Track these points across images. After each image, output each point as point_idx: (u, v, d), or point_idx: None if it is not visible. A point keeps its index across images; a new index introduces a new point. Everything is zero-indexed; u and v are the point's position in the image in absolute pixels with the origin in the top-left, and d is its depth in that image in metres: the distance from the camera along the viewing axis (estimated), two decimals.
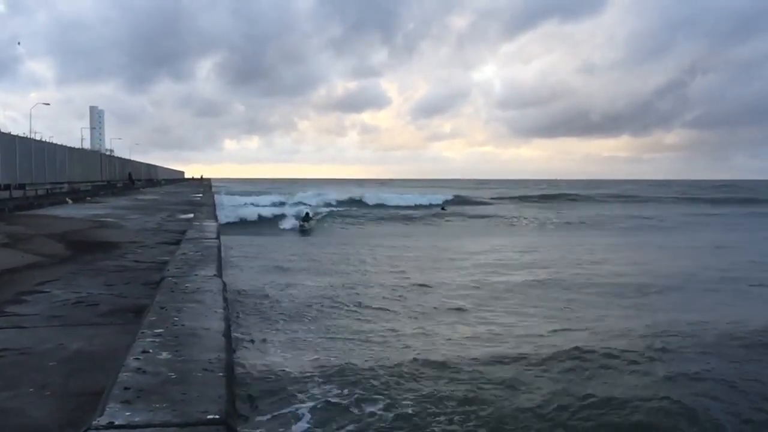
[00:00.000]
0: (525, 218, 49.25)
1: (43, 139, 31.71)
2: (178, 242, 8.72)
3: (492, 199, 78.68)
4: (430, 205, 61.24)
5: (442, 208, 58.20)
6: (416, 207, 58.84)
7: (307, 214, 41.14)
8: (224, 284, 5.06)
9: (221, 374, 2.74)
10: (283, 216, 41.85)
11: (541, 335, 10.67)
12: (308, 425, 6.99)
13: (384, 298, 14.14)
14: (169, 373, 2.71)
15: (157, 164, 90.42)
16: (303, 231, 37.70)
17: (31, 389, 3.15)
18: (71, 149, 36.23)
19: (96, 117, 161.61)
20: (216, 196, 38.90)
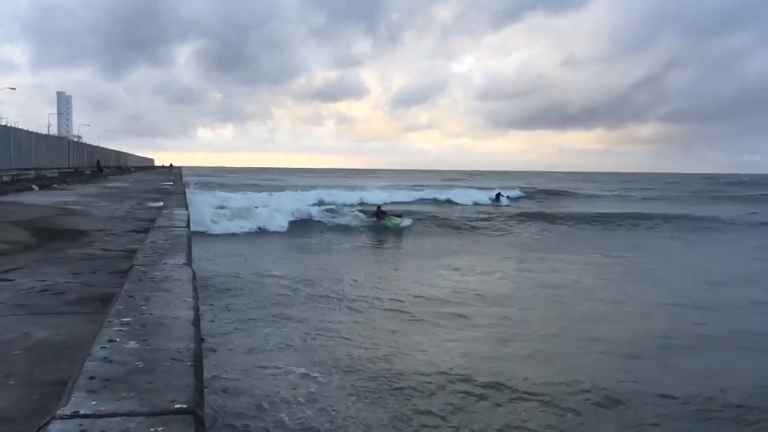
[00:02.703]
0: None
1: (9, 125, 31.07)
2: (147, 230, 8.61)
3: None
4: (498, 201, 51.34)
5: (498, 198, 51.53)
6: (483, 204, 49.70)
7: (379, 207, 33.18)
8: (194, 273, 5.02)
9: (189, 363, 2.72)
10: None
11: None
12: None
13: None
14: (137, 363, 2.69)
15: (127, 151, 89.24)
16: (392, 227, 30.32)
17: None
18: (38, 135, 35.54)
19: (64, 103, 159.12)
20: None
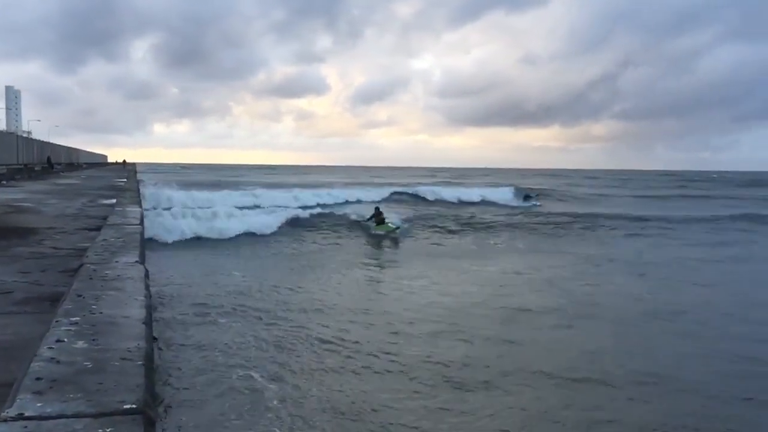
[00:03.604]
0: None
1: None
2: (99, 228, 8.44)
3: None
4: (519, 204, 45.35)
5: (527, 198, 45.95)
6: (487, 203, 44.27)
7: (377, 209, 28.14)
8: (147, 271, 4.95)
9: (140, 363, 2.69)
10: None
11: None
12: None
13: None
14: (85, 363, 2.64)
15: (79, 148, 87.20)
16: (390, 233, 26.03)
17: None
18: None
19: (12, 97, 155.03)
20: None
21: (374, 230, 26.33)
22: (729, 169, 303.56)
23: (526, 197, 46.07)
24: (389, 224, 26.60)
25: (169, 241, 23.51)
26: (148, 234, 19.89)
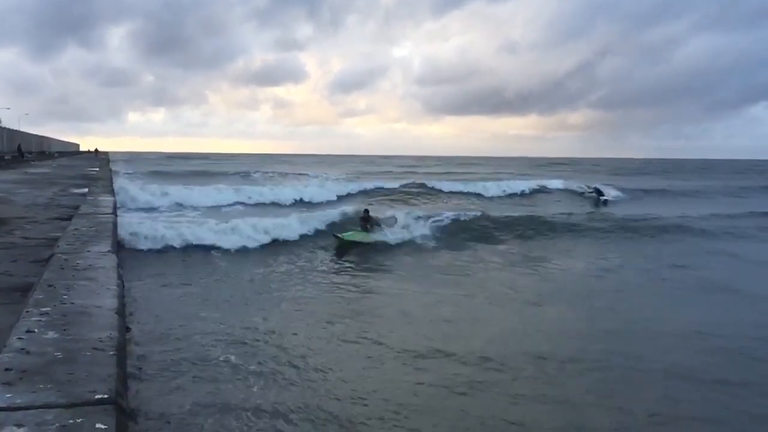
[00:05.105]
0: None
1: None
2: (70, 218, 8.33)
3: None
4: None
5: (599, 194, 36.98)
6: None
7: (366, 211, 21.16)
8: (118, 261, 4.90)
9: (112, 353, 2.67)
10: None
11: None
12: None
13: None
14: (56, 353, 2.62)
15: (51, 136, 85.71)
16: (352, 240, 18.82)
17: None
18: None
19: None
20: None
21: (346, 237, 19.26)
22: (703, 157, 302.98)
23: (597, 191, 37.90)
24: (357, 232, 19.89)
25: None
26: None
